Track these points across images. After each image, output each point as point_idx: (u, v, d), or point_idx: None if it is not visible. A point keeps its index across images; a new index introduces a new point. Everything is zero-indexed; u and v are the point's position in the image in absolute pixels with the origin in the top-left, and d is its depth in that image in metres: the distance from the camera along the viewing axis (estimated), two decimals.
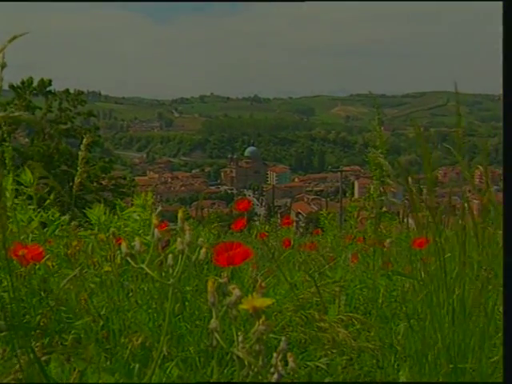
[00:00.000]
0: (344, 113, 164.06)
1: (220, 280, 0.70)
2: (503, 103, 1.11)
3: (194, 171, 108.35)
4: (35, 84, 18.37)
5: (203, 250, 0.72)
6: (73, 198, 2.18)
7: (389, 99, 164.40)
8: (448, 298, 1.38)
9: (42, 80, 18.53)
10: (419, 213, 1.46)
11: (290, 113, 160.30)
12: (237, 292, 0.64)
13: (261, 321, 0.62)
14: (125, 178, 19.70)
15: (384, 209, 2.32)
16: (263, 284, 0.66)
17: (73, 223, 2.05)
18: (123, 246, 0.71)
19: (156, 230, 0.72)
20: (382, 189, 2.18)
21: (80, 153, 2.23)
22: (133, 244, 0.75)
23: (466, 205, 1.45)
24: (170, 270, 0.69)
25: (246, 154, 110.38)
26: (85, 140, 2.24)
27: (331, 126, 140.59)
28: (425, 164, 1.36)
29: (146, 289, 1.66)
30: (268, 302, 0.65)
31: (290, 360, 0.66)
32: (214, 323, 0.64)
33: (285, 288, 1.88)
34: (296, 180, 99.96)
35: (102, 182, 18.19)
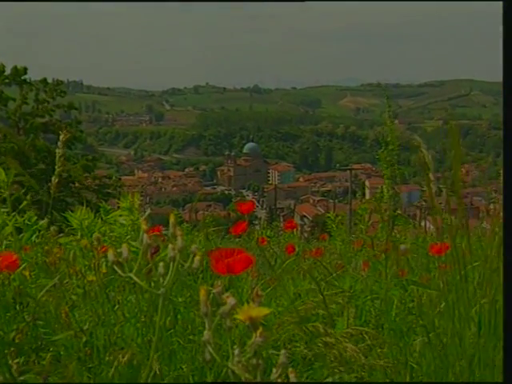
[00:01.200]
0: (354, 105, 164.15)
1: (214, 290, 0.70)
2: (503, 104, 1.15)
3: (187, 170, 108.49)
4: (8, 72, 18.31)
5: (197, 258, 0.73)
6: (51, 200, 2.18)
7: (404, 89, 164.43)
8: (470, 310, 1.38)
9: (16, 68, 18.47)
10: (438, 215, 1.46)
11: (293, 105, 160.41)
12: (231, 300, 0.65)
13: (258, 332, 0.62)
14: (110, 178, 19.71)
15: (398, 211, 2.33)
16: (260, 292, 0.67)
17: (52, 228, 2.05)
18: (110, 253, 0.72)
19: (145, 235, 0.72)
20: (396, 189, 2.19)
21: (57, 150, 2.22)
22: (119, 251, 0.75)
23: (491, 206, 1.46)
24: (161, 279, 0.69)
25: (244, 150, 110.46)
26: (62, 136, 2.24)
27: (339, 120, 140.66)
28: (454, 161, 1.35)
29: (133, 300, 1.66)
30: (265, 311, 0.65)
31: (292, 376, 0.66)
32: (206, 335, 0.65)
33: (287, 299, 1.89)
34: (300, 179, 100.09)
35: (85, 183, 18.19)
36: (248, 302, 0.68)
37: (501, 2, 1.16)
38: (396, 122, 2.37)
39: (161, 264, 0.71)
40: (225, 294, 0.68)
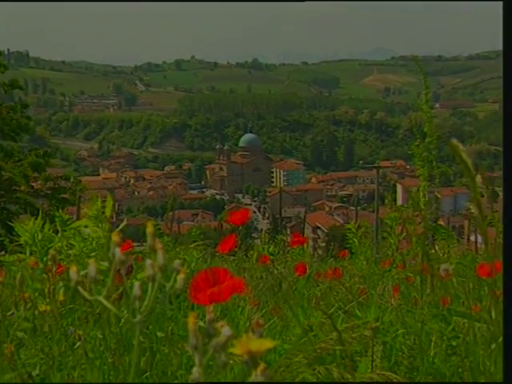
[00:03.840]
0: (382, 84, 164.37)
1: (202, 323, 0.72)
2: (503, 105, 1.24)
3: (167, 169, 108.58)
4: None
5: (180, 276, 0.74)
6: None
7: (448, 63, 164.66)
8: None
9: None
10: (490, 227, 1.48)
11: (304, 84, 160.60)
12: (226, 330, 0.67)
13: (259, 370, 0.64)
14: (67, 179, 19.67)
15: (439, 221, 2.34)
16: (261, 321, 0.68)
17: None
18: (72, 271, 0.73)
19: (117, 249, 0.74)
20: (436, 193, 2.20)
21: None
22: (84, 273, 0.76)
23: None
24: (137, 304, 0.70)
25: (241, 143, 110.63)
26: None
27: (363, 104, 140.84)
28: None
29: (99, 336, 1.67)
30: (268, 344, 0.67)
31: None
32: (196, 373, 0.66)
33: (296, 333, 1.90)
34: (313, 181, 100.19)
35: (33, 185, 18.15)
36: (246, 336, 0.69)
37: (501, 2, 1.28)
38: (437, 105, 2.38)
39: (137, 284, 0.72)
40: (218, 322, 0.69)
